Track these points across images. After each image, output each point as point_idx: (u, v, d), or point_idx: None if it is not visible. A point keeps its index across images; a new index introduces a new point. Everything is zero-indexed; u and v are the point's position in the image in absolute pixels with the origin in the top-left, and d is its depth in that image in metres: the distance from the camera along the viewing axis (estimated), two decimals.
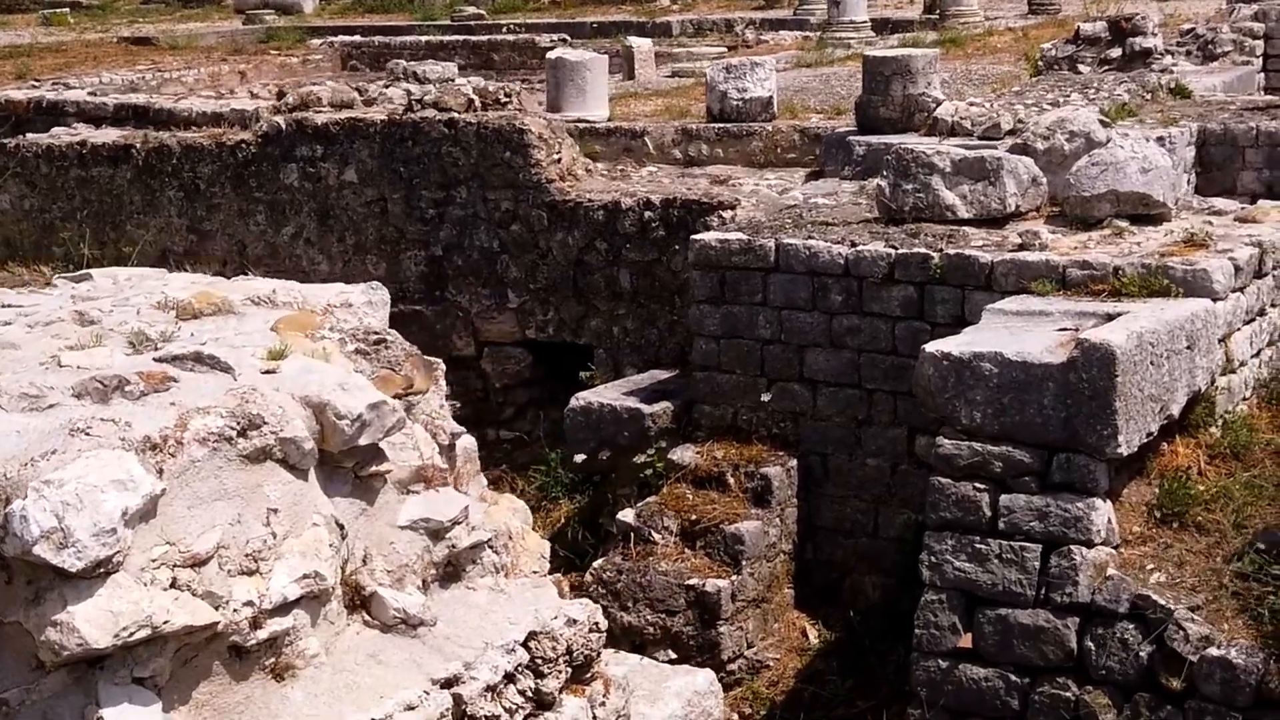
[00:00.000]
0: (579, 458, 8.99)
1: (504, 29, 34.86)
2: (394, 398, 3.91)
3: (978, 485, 6.94)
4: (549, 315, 10.74)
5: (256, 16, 37.93)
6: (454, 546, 4.08)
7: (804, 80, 19.64)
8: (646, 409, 8.95)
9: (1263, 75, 17.70)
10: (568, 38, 32.45)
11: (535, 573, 4.34)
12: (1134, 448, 6.84)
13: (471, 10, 36.40)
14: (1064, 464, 6.83)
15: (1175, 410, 7.21)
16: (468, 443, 4.41)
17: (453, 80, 15.46)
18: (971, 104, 13.59)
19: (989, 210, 8.67)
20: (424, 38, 33.98)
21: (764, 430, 8.82)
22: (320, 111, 11.61)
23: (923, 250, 8.35)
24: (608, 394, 9.19)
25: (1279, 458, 7.71)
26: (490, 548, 4.20)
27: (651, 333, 10.09)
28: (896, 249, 8.42)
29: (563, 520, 9.90)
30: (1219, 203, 8.96)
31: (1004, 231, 8.57)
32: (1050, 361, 6.83)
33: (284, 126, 11.42)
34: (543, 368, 10.88)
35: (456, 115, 10.66)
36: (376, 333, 4.17)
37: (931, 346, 7.12)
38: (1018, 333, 7.30)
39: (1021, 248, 8.21)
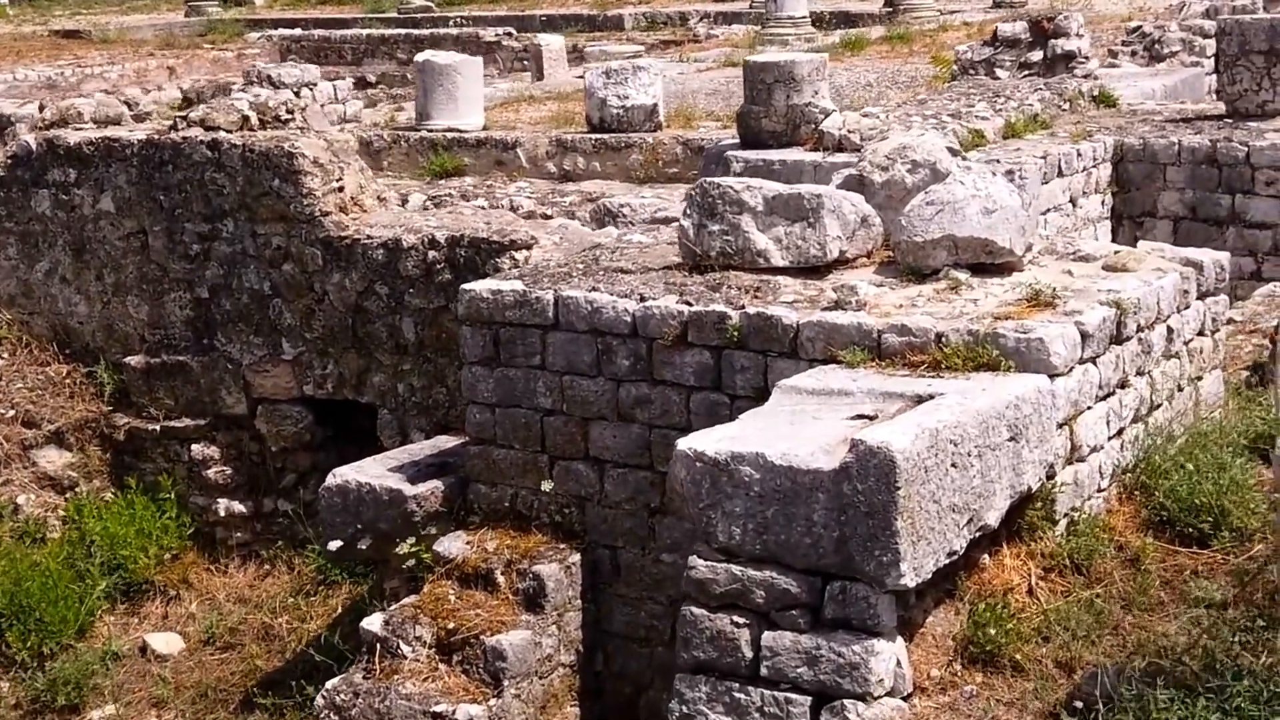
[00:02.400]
0: (333, 545, 7.62)
1: (450, 22, 33.46)
2: None
3: (737, 619, 5.59)
4: (328, 369, 9.37)
5: (200, 9, 36.50)
6: None
7: (721, 82, 18.25)
8: (411, 490, 7.58)
9: (1212, 78, 16.27)
10: (513, 31, 31.11)
11: None
12: (925, 575, 5.47)
13: (420, 2, 34.96)
14: (839, 595, 5.46)
15: (992, 519, 5.84)
16: None
17: (314, 84, 14.08)
18: (865, 114, 12.22)
19: (807, 257, 7.29)
20: (365, 31, 32.65)
21: (545, 517, 7.46)
22: (80, 128, 10.20)
23: (720, 308, 6.97)
24: (372, 469, 7.81)
25: (1135, 567, 6.34)
26: None
27: (440, 392, 8.71)
28: (690, 305, 7.04)
29: (339, 610, 8.57)
30: (1087, 245, 7.57)
31: (823, 283, 7.19)
32: (821, 467, 5.46)
33: (34, 147, 10.01)
34: (328, 428, 9.51)
35: (223, 135, 9.24)
36: None
37: (685, 443, 5.76)
38: (801, 421, 5.93)
39: (835, 306, 6.84)
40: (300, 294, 9.31)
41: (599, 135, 13.47)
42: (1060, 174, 11.10)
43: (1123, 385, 6.80)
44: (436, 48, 31.51)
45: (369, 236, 8.98)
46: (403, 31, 31.98)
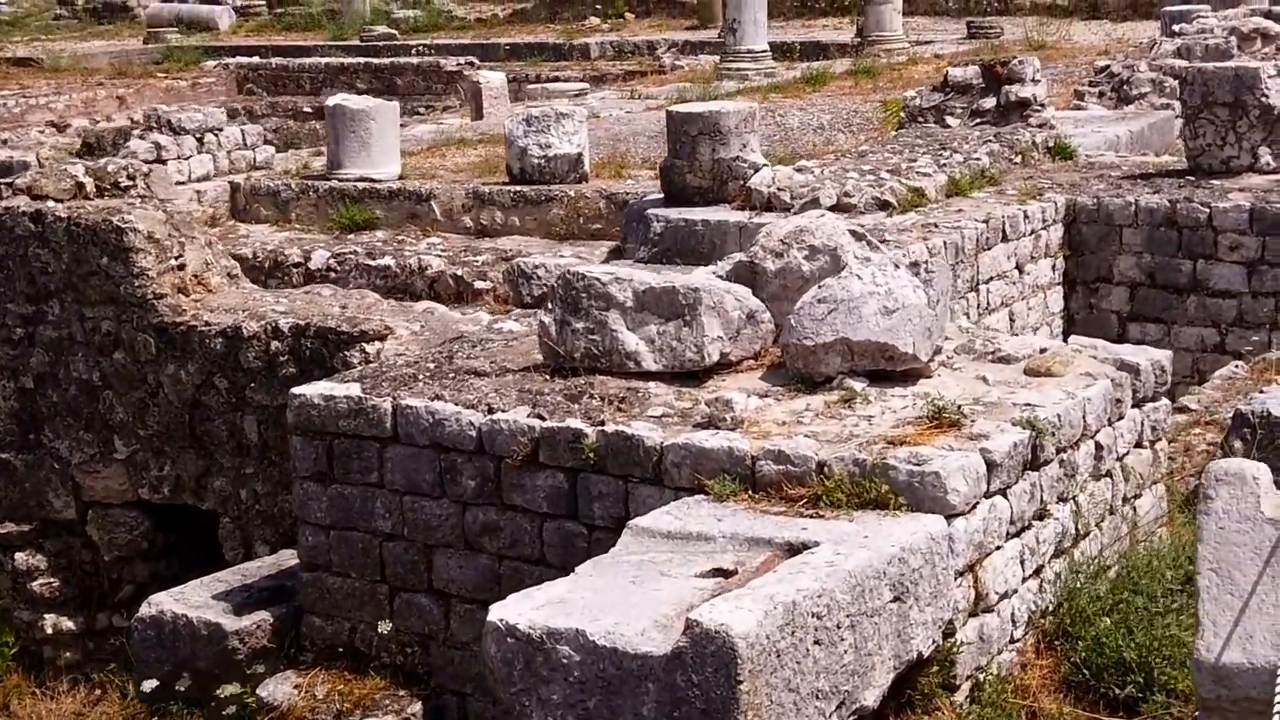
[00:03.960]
0: (148, 685, 6.65)
1: (413, 50, 32.54)
2: None
3: None
4: (165, 470, 8.41)
5: (159, 36, 35.57)
6: None
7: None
8: (234, 624, 6.61)
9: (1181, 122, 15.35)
10: (475, 60, 30.22)
11: None
12: None
13: (382, 30, 34.03)
14: None
15: (870, 698, 4.89)
16: None
17: (219, 129, 13.12)
18: (799, 169, 11.31)
19: (683, 360, 6.34)
20: (324, 60, 31.72)
21: (385, 657, 6.49)
22: None
23: (576, 424, 6.01)
24: (194, 597, 6.84)
25: None
26: None
27: (286, 499, 7.73)
28: (543, 420, 6.08)
29: None
30: (1009, 344, 6.62)
31: (700, 392, 6.24)
32: (651, 651, 4.50)
33: None
34: (169, 535, 8.55)
35: (50, 206, 8.25)
36: None
37: (497, 611, 4.80)
38: (646, 579, 4.98)
39: (708, 423, 5.89)
40: (133, 386, 8.35)
41: (519, 187, 12.53)
42: (1005, 238, 10.18)
43: (1041, 516, 5.86)
44: (397, 76, 30.78)
45: (207, 323, 8.02)
46: (362, 60, 31.07)
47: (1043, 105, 12.44)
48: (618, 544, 5.33)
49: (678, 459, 5.75)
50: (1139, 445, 6.57)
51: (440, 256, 11.92)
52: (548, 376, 6.47)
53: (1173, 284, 10.50)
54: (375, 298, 8.28)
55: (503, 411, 6.18)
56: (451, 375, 6.61)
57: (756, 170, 11.04)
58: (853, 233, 6.75)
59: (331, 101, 13.37)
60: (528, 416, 6.12)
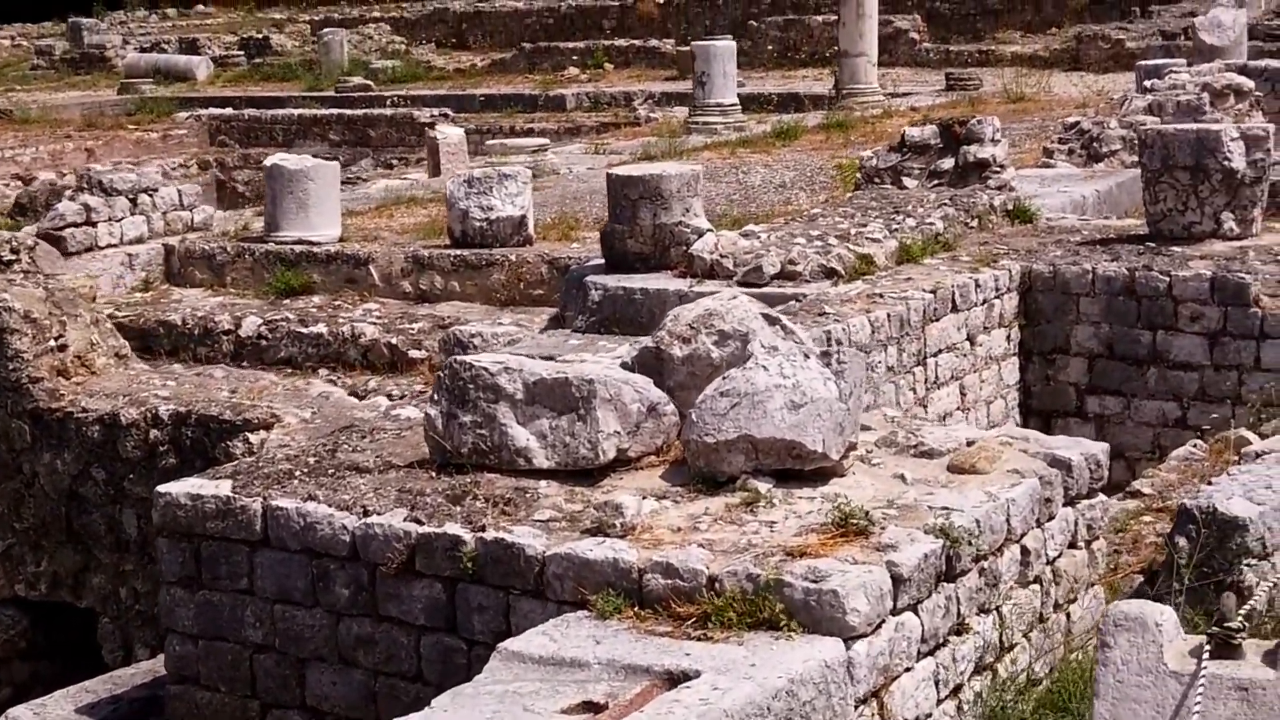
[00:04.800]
0: None
1: (387, 101, 32.20)
2: None
3: None
4: (42, 566, 7.93)
5: (134, 86, 35.22)
6: None
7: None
8: None
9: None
10: (449, 112, 29.85)
11: None
12: None
13: (357, 80, 33.68)
14: None
15: None
16: None
17: (155, 190, 12.69)
18: (745, 234, 10.88)
19: (576, 458, 5.86)
20: (297, 111, 31.38)
21: None
22: None
23: (454, 530, 5.54)
24: (56, 710, 6.33)
25: None
26: None
27: None
28: (420, 524, 5.60)
29: None
30: (934, 436, 6.15)
31: (593, 492, 5.77)
32: None
33: None
34: (48, 634, 8.05)
35: None
36: None
37: None
38: (507, 715, 4.49)
39: (597, 529, 5.41)
40: (7, 475, 7.88)
41: (460, 251, 12.09)
42: (955, 308, 9.72)
43: (958, 631, 5.38)
44: (370, 128, 30.44)
45: (84, 409, 7.56)
46: (335, 111, 30.71)
47: (1002, 166, 12.01)
48: (484, 670, 4.85)
49: (560, 570, 5.27)
50: (1072, 546, 6.10)
51: (375, 324, 11.47)
52: (433, 474, 5.99)
53: (1132, 355, 10.05)
54: (270, 380, 7.83)
55: (378, 514, 5.70)
56: (331, 471, 6.13)
57: (700, 235, 10.59)
58: (766, 316, 6.28)
59: (269, 161, 12.94)
60: (404, 520, 5.64)
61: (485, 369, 5.93)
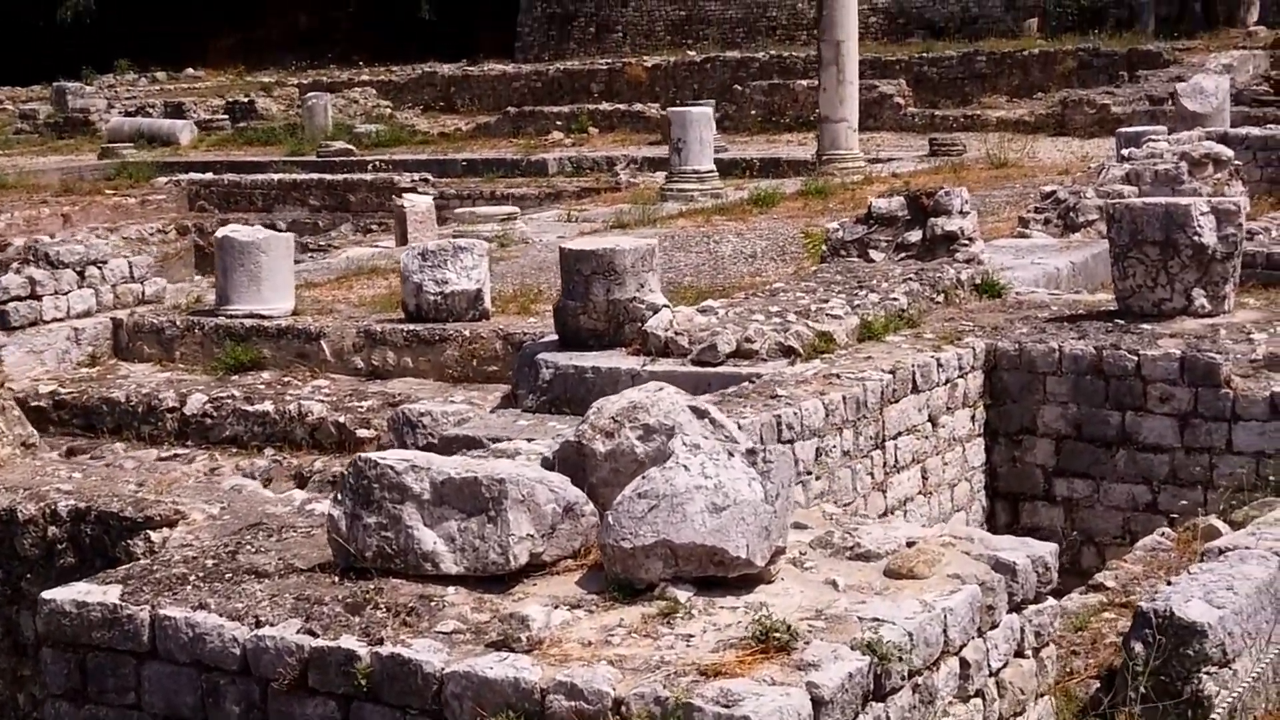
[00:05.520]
0: None
1: (369, 166, 31.98)
2: None
3: None
4: None
5: (115, 151, 35.02)
6: None
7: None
8: None
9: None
10: (429, 177, 29.65)
11: None
12: None
13: (339, 145, 33.49)
14: None
15: None
16: None
17: (104, 261, 12.37)
18: (703, 309, 10.58)
19: (486, 563, 5.49)
20: (277, 176, 31.16)
21: None
22: None
23: (349, 644, 5.16)
24: None
25: None
26: None
27: None
28: (314, 636, 5.22)
29: None
30: (871, 537, 5.78)
31: (504, 600, 5.40)
32: None
33: None
34: None
35: None
36: None
37: None
38: None
39: (502, 643, 5.03)
40: None
41: (413, 326, 11.76)
42: (915, 389, 9.37)
43: None
44: (350, 193, 30.20)
45: None
46: (315, 176, 30.49)
47: (970, 239, 11.71)
48: None
49: (459, 690, 4.89)
50: (1019, 655, 5.71)
51: (323, 401, 11.12)
52: (335, 578, 5.62)
53: (1101, 437, 9.69)
54: (181, 472, 7.47)
55: (271, 625, 5.32)
56: (229, 575, 5.76)
57: (655, 311, 10.28)
58: (694, 409, 5.94)
59: (221, 233, 12.62)
60: (297, 632, 5.26)
61: (391, 467, 5.57)
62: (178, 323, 12.43)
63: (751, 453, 5.50)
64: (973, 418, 9.93)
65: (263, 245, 12.32)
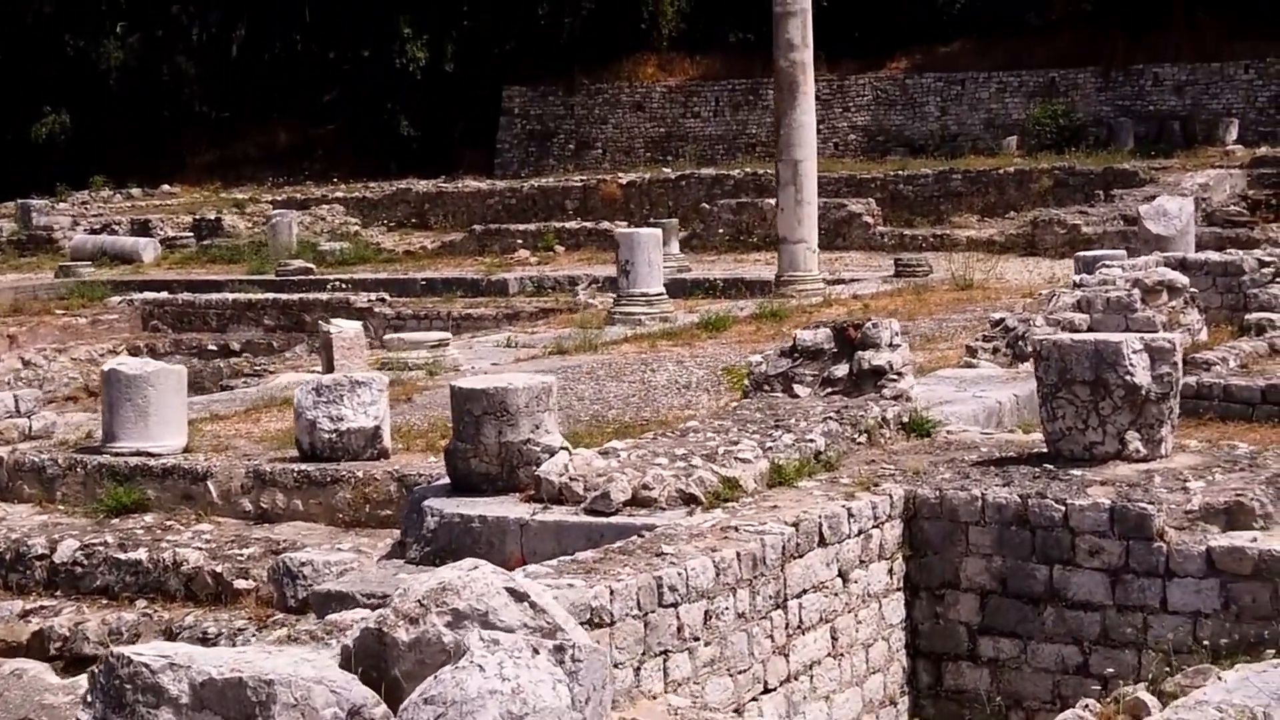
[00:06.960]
0: None
1: (327, 285, 31.39)
2: None
3: None
4: None
5: (72, 269, 34.44)
6: None
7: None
8: None
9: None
10: (386, 296, 29.10)
11: None
12: None
13: (298, 264, 32.92)
14: None
15: None
16: None
17: None
18: (604, 452, 9.87)
19: None
20: (232, 295, 30.58)
21: None
22: None
23: None
24: None
25: None
26: None
27: None
28: None
29: None
30: None
31: None
32: None
33: None
34: None
35: None
36: None
37: None
38: None
39: None
40: None
41: (305, 466, 11.02)
42: (822, 542, 8.62)
43: None
44: (306, 312, 29.54)
45: None
46: (270, 296, 29.89)
47: (900, 374, 11.01)
48: None
49: None
50: None
51: (202, 549, 10.36)
52: None
53: (1028, 593, 8.93)
54: None
55: None
56: None
57: (551, 454, 9.55)
58: (511, 591, 5.19)
59: (105, 366, 11.92)
60: None
61: (146, 665, 4.81)
62: (60, 461, 11.68)
63: (560, 648, 4.74)
64: (890, 571, 9.17)
65: (151, 379, 11.58)
